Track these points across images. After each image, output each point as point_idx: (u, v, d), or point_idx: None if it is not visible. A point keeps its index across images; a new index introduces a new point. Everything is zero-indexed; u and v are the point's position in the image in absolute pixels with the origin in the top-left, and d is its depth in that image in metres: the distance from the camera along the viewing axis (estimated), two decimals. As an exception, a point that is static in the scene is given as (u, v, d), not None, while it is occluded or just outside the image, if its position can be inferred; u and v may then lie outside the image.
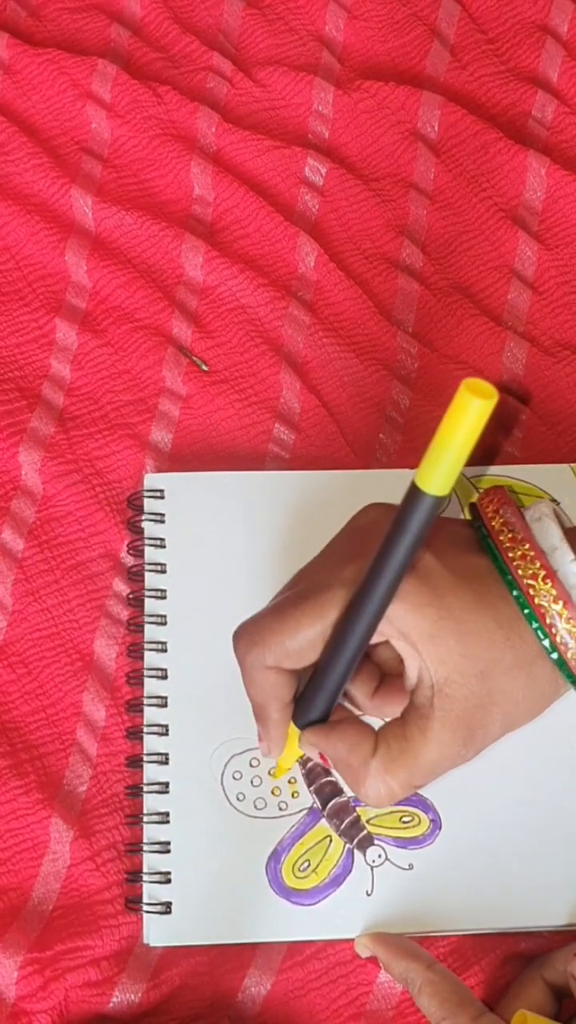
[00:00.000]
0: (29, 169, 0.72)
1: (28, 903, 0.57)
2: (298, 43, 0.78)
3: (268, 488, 0.64)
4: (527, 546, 0.52)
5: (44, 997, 0.55)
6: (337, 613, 0.51)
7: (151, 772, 0.58)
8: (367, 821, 0.57)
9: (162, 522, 0.63)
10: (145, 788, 0.58)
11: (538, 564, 0.52)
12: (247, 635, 0.53)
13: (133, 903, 0.56)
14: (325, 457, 0.66)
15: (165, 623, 0.61)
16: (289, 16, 0.78)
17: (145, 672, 0.60)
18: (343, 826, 0.57)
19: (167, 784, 0.58)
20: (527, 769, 0.58)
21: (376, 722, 0.55)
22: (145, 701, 0.59)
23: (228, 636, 0.55)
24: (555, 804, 0.57)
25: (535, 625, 0.52)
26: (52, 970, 0.55)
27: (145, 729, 0.59)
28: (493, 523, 0.53)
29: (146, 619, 0.61)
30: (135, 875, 0.56)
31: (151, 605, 0.61)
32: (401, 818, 0.57)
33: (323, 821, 0.57)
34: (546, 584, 0.51)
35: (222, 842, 0.57)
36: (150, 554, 0.62)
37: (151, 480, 0.64)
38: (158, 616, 0.61)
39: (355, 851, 0.57)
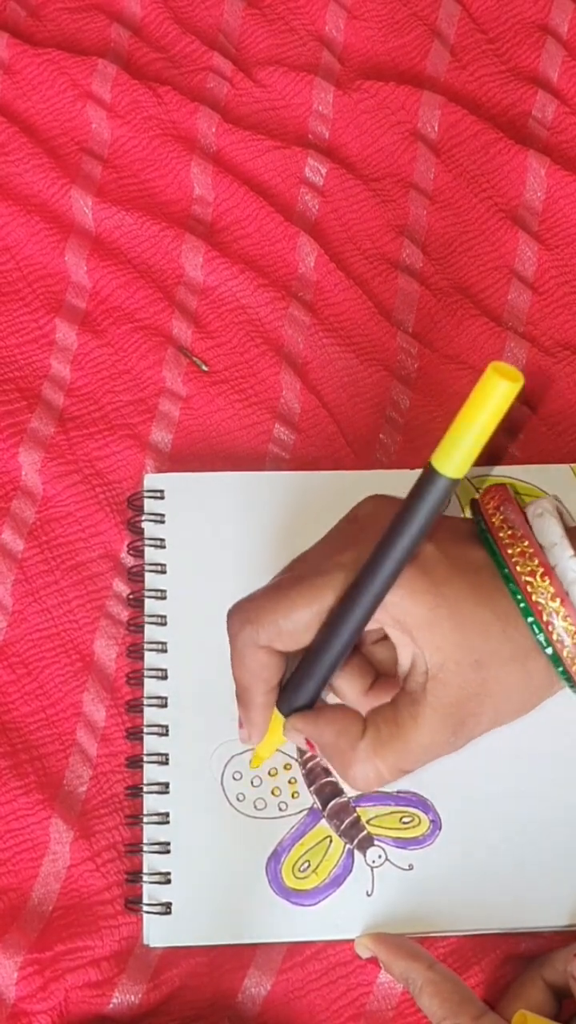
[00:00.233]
0: (29, 169, 0.72)
1: (28, 903, 0.57)
2: (298, 43, 0.78)
3: (268, 488, 0.64)
4: (526, 543, 0.52)
5: (44, 998, 0.55)
6: (334, 597, 0.51)
7: (151, 772, 0.58)
8: (367, 822, 0.57)
9: (162, 522, 0.63)
10: (145, 788, 0.58)
11: (536, 561, 0.52)
12: (241, 612, 0.54)
13: (133, 903, 0.56)
14: (325, 457, 0.66)
15: (165, 623, 0.61)
16: (289, 16, 0.78)
17: (145, 672, 0.60)
18: (343, 826, 0.57)
19: (167, 784, 0.58)
20: (527, 769, 0.58)
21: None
22: (145, 701, 0.59)
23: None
24: (555, 804, 0.57)
25: (531, 619, 0.52)
26: (52, 971, 0.55)
27: (145, 729, 0.59)
28: (493, 519, 0.54)
29: (146, 619, 0.61)
30: (135, 875, 0.56)
31: (151, 605, 0.61)
32: (401, 818, 0.57)
33: (323, 821, 0.57)
34: (544, 581, 0.52)
35: (222, 842, 0.57)
36: (150, 554, 0.62)
37: (151, 480, 0.64)
38: (158, 616, 0.61)
39: (355, 851, 0.57)
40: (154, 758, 0.58)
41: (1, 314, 0.69)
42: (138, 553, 0.63)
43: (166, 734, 0.58)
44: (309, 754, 0.57)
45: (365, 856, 0.57)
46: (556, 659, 0.52)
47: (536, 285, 0.71)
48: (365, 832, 0.57)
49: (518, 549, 0.52)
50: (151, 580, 0.62)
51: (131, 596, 0.62)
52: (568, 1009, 0.53)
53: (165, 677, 0.60)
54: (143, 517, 0.63)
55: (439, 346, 0.70)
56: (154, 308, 0.70)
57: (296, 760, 0.58)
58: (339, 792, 0.57)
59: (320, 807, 0.57)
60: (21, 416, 0.66)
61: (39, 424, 0.66)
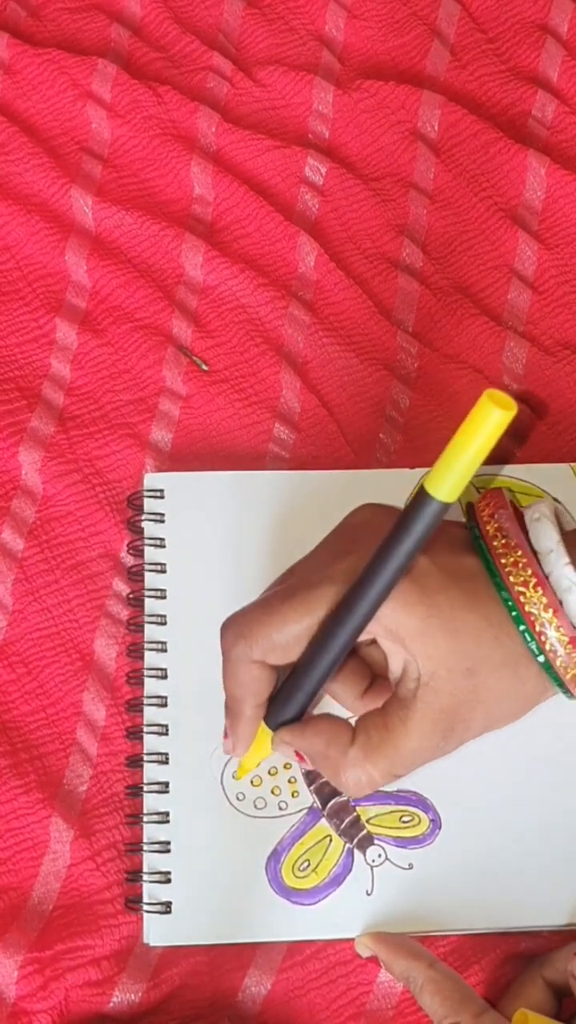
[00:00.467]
0: (29, 169, 0.72)
1: (28, 903, 0.57)
2: (298, 43, 0.78)
3: (268, 487, 0.64)
4: (519, 552, 0.52)
5: (44, 997, 0.55)
6: (326, 609, 0.52)
7: (151, 772, 0.58)
8: (367, 821, 0.57)
9: (162, 522, 0.63)
10: (145, 788, 0.58)
11: (529, 571, 0.52)
12: (235, 627, 0.54)
13: (133, 903, 0.56)
14: (325, 457, 0.66)
15: (165, 623, 0.61)
16: (289, 16, 0.78)
17: (145, 672, 0.60)
18: (343, 826, 0.57)
19: (167, 784, 0.58)
20: (527, 769, 0.58)
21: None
22: (145, 701, 0.59)
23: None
24: (555, 804, 0.57)
25: (522, 628, 0.52)
26: (52, 970, 0.55)
27: (145, 729, 0.59)
28: (488, 527, 0.54)
29: (146, 619, 0.61)
30: (135, 875, 0.56)
31: (151, 605, 0.61)
32: (401, 818, 0.57)
33: (323, 821, 0.57)
34: (536, 592, 0.52)
35: (222, 842, 0.57)
36: (150, 554, 0.62)
37: (151, 480, 0.64)
38: (158, 616, 0.61)
39: (355, 851, 0.57)
40: (154, 757, 0.58)
41: (1, 313, 0.69)
42: (138, 552, 0.63)
43: (166, 733, 0.58)
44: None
45: (365, 855, 0.57)
46: (548, 667, 0.52)
47: (536, 284, 0.71)
48: (365, 831, 0.57)
49: (511, 559, 0.52)
50: (151, 579, 0.62)
51: (131, 595, 0.62)
52: (568, 1008, 0.53)
53: (165, 676, 0.60)
54: (143, 516, 0.63)
55: (439, 345, 0.70)
56: (154, 307, 0.70)
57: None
58: (339, 791, 0.57)
59: (320, 806, 0.57)
60: (21, 415, 0.66)
61: (39, 423, 0.66)
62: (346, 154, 0.75)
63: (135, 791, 0.58)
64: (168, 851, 0.56)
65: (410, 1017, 0.55)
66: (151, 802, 0.57)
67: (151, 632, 0.60)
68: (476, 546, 0.54)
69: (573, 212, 0.73)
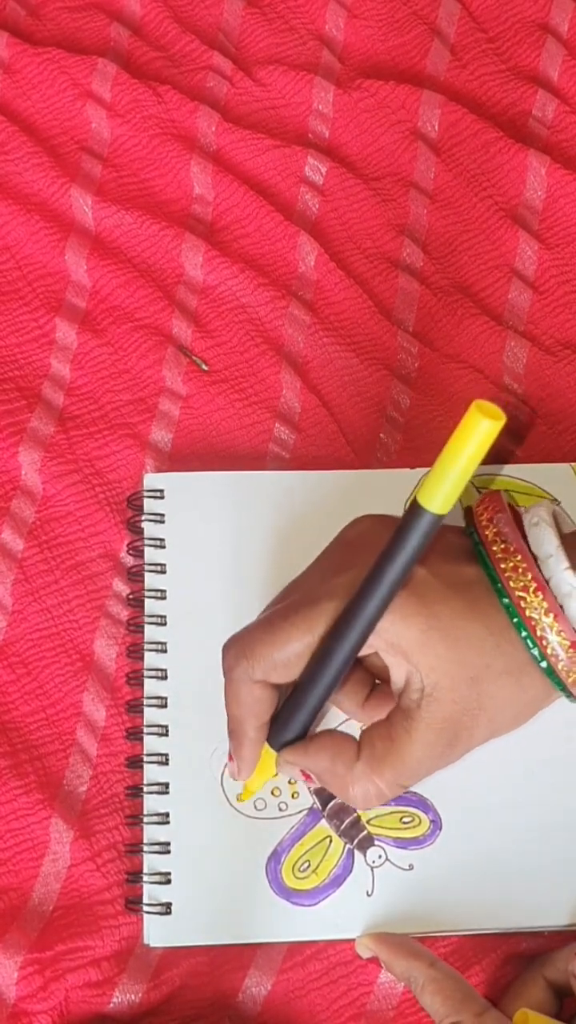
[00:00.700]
0: (29, 168, 0.72)
1: (28, 903, 0.57)
2: (298, 42, 0.78)
3: (268, 488, 0.64)
4: (519, 557, 0.52)
5: (44, 997, 0.55)
6: (326, 625, 0.51)
7: (151, 773, 0.58)
8: (367, 822, 0.57)
9: (162, 522, 0.63)
10: (145, 789, 0.58)
11: (529, 576, 0.52)
12: (236, 647, 0.54)
13: (133, 903, 0.56)
14: (325, 457, 0.66)
15: (165, 624, 0.61)
16: (289, 15, 0.78)
17: (145, 673, 0.60)
18: (343, 826, 0.57)
19: (167, 785, 0.57)
20: (527, 769, 0.58)
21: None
22: (145, 702, 0.59)
23: (228, 636, 0.55)
24: (555, 804, 0.57)
25: (524, 634, 0.52)
26: (52, 970, 0.55)
27: (145, 730, 0.59)
28: (487, 532, 0.53)
29: (146, 619, 0.61)
30: (135, 875, 0.56)
31: (151, 605, 0.61)
32: (401, 818, 0.57)
33: (323, 821, 0.57)
34: (537, 596, 0.51)
35: (222, 843, 0.57)
36: (150, 554, 0.62)
37: (151, 480, 0.64)
38: (158, 616, 0.61)
39: (355, 851, 0.57)
40: (154, 758, 0.58)
41: (1, 313, 0.69)
42: (138, 553, 0.63)
43: (166, 734, 0.58)
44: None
45: (365, 856, 0.57)
46: (551, 672, 0.52)
47: (536, 284, 0.71)
48: (365, 832, 0.57)
49: (511, 564, 0.52)
50: (151, 580, 0.61)
51: (131, 596, 0.62)
52: (569, 1008, 0.53)
53: (165, 677, 0.60)
54: (143, 517, 0.63)
55: (439, 345, 0.70)
56: (154, 307, 0.70)
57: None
58: (339, 792, 0.57)
59: (320, 807, 0.57)
60: (21, 415, 0.66)
61: (39, 423, 0.66)
62: (346, 154, 0.75)
63: (135, 792, 0.58)
64: (168, 852, 0.56)
65: (411, 1017, 0.55)
66: (151, 803, 0.57)
67: (151, 633, 0.60)
68: (476, 551, 0.54)
69: (573, 212, 0.73)
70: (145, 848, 0.57)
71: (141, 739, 0.59)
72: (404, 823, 0.57)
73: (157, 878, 0.56)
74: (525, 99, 0.76)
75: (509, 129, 0.75)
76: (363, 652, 0.52)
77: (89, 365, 0.68)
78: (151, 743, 0.58)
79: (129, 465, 0.65)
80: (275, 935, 0.56)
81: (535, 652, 0.52)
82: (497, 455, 0.65)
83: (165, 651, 0.60)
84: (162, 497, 0.63)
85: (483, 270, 0.72)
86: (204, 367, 0.68)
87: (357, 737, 0.54)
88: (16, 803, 0.58)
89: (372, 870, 0.56)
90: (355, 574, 0.50)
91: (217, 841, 0.57)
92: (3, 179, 0.72)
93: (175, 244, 0.71)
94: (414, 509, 0.47)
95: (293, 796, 0.58)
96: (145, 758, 0.58)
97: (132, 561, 0.63)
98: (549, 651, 0.52)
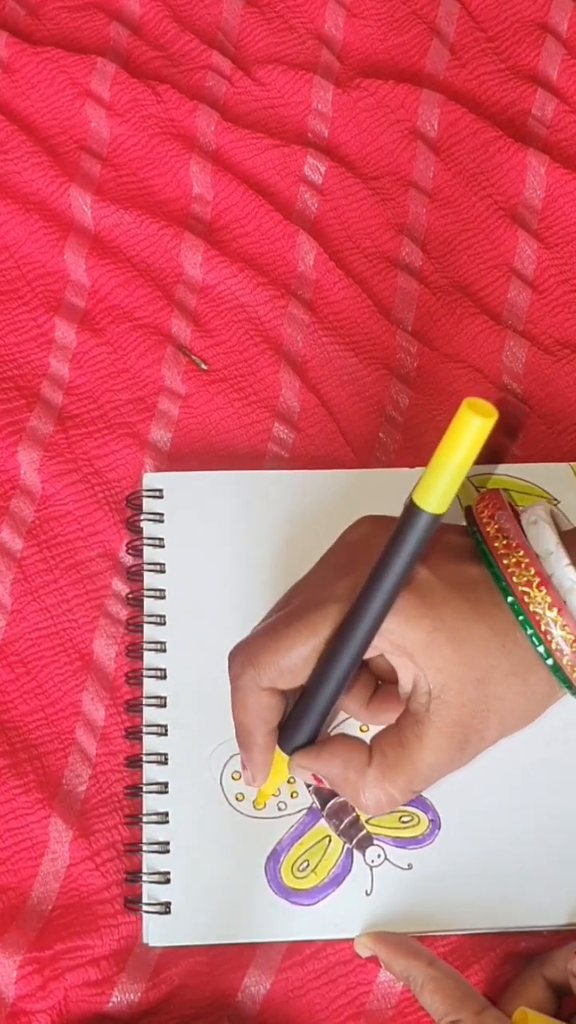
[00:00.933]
0: (28, 168, 0.72)
1: (27, 903, 0.57)
2: (297, 41, 0.78)
3: (268, 487, 0.64)
4: (521, 552, 0.52)
5: (43, 997, 0.55)
6: (330, 629, 0.51)
7: (150, 772, 0.58)
8: (366, 821, 0.57)
9: (161, 522, 0.63)
10: (144, 788, 0.58)
11: (532, 571, 0.52)
12: (241, 655, 0.53)
13: (132, 903, 0.56)
14: (325, 456, 0.66)
15: (164, 623, 0.61)
16: (288, 14, 0.78)
17: (144, 672, 0.60)
18: (342, 826, 0.57)
19: (166, 784, 0.57)
20: (526, 769, 0.58)
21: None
22: (144, 701, 0.59)
23: (227, 636, 0.55)
24: (554, 804, 0.57)
25: (529, 631, 0.52)
26: (51, 970, 0.55)
27: (144, 729, 0.59)
28: (488, 529, 0.53)
29: (145, 619, 0.61)
30: (134, 875, 0.56)
31: (150, 605, 0.61)
32: (400, 818, 0.57)
33: (322, 821, 0.57)
34: (540, 591, 0.51)
35: (221, 842, 0.57)
36: (149, 554, 0.62)
37: (150, 479, 0.64)
38: (157, 616, 0.61)
39: (354, 851, 0.57)
40: (153, 758, 0.58)
41: (0, 312, 0.69)
42: (137, 552, 0.63)
43: (165, 734, 0.58)
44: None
45: (364, 855, 0.57)
46: (556, 668, 0.52)
47: (536, 283, 0.71)
48: (364, 831, 0.57)
49: (513, 559, 0.52)
50: (150, 579, 0.61)
51: (130, 595, 0.62)
52: (568, 1007, 0.53)
53: (164, 677, 0.60)
54: (142, 516, 0.63)
55: (439, 344, 0.70)
56: (153, 307, 0.70)
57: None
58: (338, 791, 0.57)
59: (319, 807, 0.57)
60: (20, 415, 0.66)
61: (38, 423, 0.66)
62: (345, 153, 0.75)
63: (134, 791, 0.58)
64: (167, 851, 0.56)
65: (410, 1017, 0.55)
66: (150, 802, 0.57)
67: (150, 632, 0.60)
68: (479, 549, 0.54)
69: (573, 211, 0.73)
70: (144, 847, 0.56)
71: (140, 738, 0.59)
72: (403, 822, 0.57)
73: (156, 877, 0.56)
74: (524, 98, 0.76)
75: (508, 128, 0.75)
76: (369, 654, 0.52)
77: (88, 364, 0.68)
78: (150, 743, 0.58)
79: (128, 464, 0.65)
80: (274, 934, 0.56)
81: (540, 649, 0.52)
82: (492, 451, 0.65)
83: (164, 650, 0.60)
84: (161, 496, 0.63)
85: (482, 269, 0.72)
86: (203, 366, 0.68)
87: (356, 737, 0.54)
88: (15, 802, 0.58)
89: (371, 869, 0.56)
90: (357, 577, 0.50)
91: (216, 841, 0.57)
92: (2, 178, 0.72)
93: (174, 243, 0.71)
94: (410, 509, 0.47)
95: (292, 796, 0.58)
96: (144, 757, 0.58)
97: (131, 560, 0.63)
98: (554, 646, 0.52)
